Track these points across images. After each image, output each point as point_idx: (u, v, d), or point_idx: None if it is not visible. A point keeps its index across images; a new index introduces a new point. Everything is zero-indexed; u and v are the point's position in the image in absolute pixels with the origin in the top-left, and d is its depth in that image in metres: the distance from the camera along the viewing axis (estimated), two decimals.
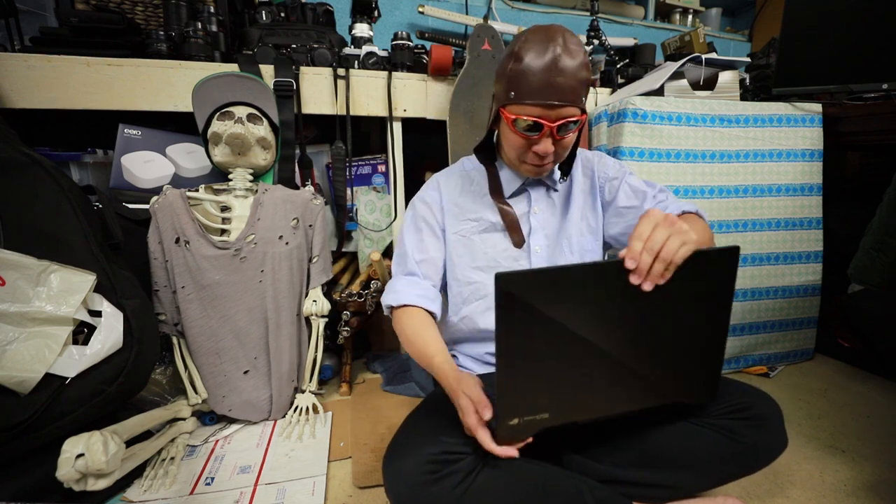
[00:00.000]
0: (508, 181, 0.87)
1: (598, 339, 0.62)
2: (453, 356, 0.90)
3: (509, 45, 0.75)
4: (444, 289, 0.94)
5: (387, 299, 0.86)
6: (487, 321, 0.86)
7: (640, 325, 0.64)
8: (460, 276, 0.88)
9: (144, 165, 1.20)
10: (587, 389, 0.67)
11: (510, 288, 0.54)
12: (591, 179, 0.91)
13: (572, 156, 0.86)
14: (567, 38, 0.69)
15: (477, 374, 0.76)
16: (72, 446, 0.70)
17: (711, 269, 0.64)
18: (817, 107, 1.34)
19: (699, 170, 1.28)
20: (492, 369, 0.89)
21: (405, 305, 0.84)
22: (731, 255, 0.63)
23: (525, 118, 0.71)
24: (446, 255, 0.89)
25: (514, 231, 0.85)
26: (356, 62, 1.33)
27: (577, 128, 0.75)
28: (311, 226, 1.16)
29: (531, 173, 0.82)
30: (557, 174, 0.90)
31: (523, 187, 0.88)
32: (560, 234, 0.88)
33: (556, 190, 0.89)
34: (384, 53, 1.36)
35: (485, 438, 0.63)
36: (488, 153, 0.89)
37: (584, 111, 0.73)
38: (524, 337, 0.58)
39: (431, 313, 0.85)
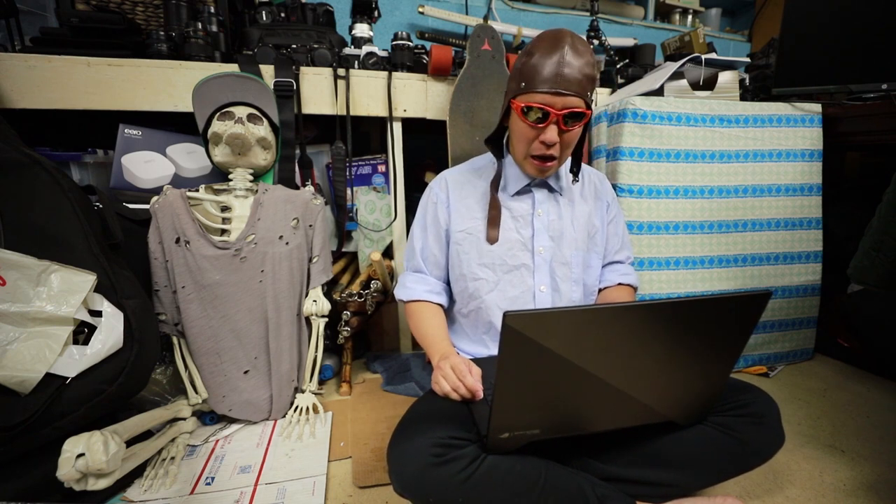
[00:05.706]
0: (515, 179, 0.90)
1: (598, 370, 0.62)
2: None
3: (524, 48, 0.80)
4: (449, 282, 0.98)
5: (399, 294, 0.99)
6: (494, 315, 0.90)
7: (644, 359, 0.64)
8: (467, 272, 0.91)
9: (145, 165, 1.20)
10: (579, 409, 0.67)
11: (516, 326, 0.55)
12: (596, 190, 0.97)
13: (579, 156, 0.87)
14: (575, 39, 0.76)
15: (472, 358, 0.84)
16: (72, 446, 0.70)
17: (735, 313, 0.64)
18: (817, 107, 1.34)
19: (699, 170, 1.28)
20: (487, 352, 0.95)
21: (415, 301, 0.96)
22: (760, 300, 0.63)
23: (534, 105, 0.75)
24: (453, 251, 0.93)
25: (492, 226, 0.89)
26: (356, 62, 1.33)
27: (581, 121, 0.79)
28: (311, 226, 1.16)
29: (535, 171, 0.84)
30: (564, 180, 0.91)
31: (528, 188, 0.89)
32: (564, 236, 0.90)
33: (560, 194, 0.91)
34: (384, 53, 1.36)
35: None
36: (497, 150, 0.92)
37: (589, 106, 0.77)
38: (524, 365, 0.59)
39: (440, 305, 0.96)
